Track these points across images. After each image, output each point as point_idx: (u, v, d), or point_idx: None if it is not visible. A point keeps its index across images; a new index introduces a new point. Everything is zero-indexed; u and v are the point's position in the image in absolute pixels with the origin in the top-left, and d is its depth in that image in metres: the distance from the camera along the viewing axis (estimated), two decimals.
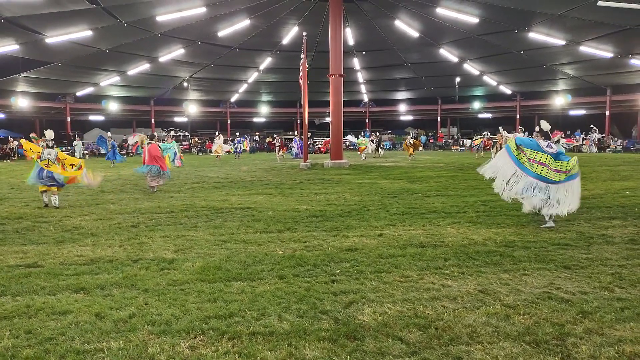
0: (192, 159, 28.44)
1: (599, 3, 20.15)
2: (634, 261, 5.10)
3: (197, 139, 41.69)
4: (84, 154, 30.82)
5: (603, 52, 27.86)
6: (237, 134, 36.16)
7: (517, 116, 39.25)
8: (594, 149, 32.72)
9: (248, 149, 34.73)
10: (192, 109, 40.23)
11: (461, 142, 40.77)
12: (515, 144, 7.21)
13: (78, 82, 33.88)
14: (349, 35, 30.24)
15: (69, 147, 30.17)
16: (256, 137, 43.07)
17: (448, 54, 33.16)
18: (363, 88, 42.05)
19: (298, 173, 16.85)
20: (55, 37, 24.50)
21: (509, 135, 10.73)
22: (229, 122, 43.57)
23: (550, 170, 6.74)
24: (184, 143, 38.58)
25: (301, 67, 19.41)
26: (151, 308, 3.87)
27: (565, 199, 6.66)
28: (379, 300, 4.01)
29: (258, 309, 3.82)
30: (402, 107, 44.17)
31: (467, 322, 3.52)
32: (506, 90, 39.19)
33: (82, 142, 33.16)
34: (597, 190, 10.82)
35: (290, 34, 30.33)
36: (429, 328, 3.43)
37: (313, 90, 30.41)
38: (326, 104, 24.95)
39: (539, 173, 6.79)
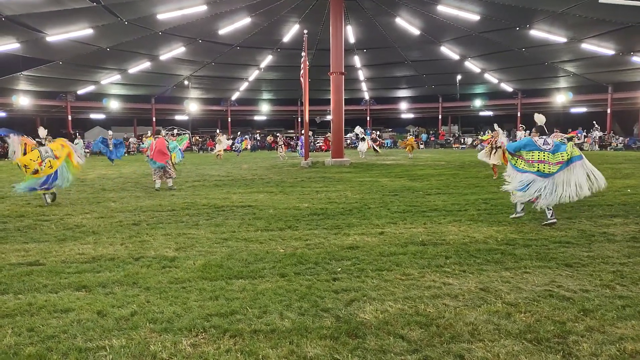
0: (192, 157, 28.45)
1: (601, 0, 20.07)
2: (635, 259, 5.09)
3: (198, 137, 41.66)
4: (85, 152, 30.74)
5: (604, 49, 27.75)
6: (239, 133, 36.13)
7: (519, 114, 39.17)
8: (596, 147, 32.68)
9: (249, 147, 34.72)
10: (193, 107, 40.21)
11: (462, 140, 40.70)
12: (509, 152, 7.25)
13: (79, 81, 33.88)
14: (350, 33, 30.18)
15: None
16: (257, 136, 43.05)
17: (449, 51, 33.07)
18: (364, 86, 41.98)
19: (299, 171, 16.85)
20: (56, 36, 24.49)
21: (504, 139, 10.75)
22: (229, 120, 43.53)
23: (552, 165, 6.77)
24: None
25: (302, 65, 19.39)
26: (153, 306, 3.87)
27: (565, 185, 6.61)
28: (380, 298, 4.01)
29: (259, 307, 3.82)
30: (403, 105, 44.10)
31: (468, 320, 3.52)
32: (507, 88, 39.07)
33: (83, 141, 33.11)
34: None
35: (291, 31, 30.29)
36: (430, 326, 3.43)
37: (314, 88, 30.35)
38: (327, 102, 24.89)
39: (541, 171, 6.81)
